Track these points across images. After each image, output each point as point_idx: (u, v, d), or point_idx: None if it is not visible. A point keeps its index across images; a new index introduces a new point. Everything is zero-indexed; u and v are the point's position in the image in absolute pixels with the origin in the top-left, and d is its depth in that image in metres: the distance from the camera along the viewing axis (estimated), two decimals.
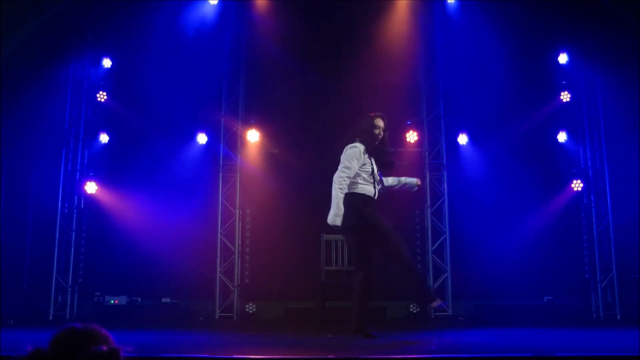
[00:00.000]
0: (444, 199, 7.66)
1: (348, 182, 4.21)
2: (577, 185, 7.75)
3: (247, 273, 7.84)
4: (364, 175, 4.27)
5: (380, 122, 4.40)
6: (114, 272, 7.51)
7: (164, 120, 7.81)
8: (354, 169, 4.22)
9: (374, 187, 4.27)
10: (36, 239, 7.87)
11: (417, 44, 7.93)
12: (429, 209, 7.64)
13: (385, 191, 4.41)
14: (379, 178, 4.35)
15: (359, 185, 4.24)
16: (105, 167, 8.03)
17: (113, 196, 7.84)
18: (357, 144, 4.32)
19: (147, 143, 7.86)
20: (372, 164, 4.31)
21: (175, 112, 7.75)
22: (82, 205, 7.99)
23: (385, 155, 4.45)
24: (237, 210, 7.76)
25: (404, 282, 4.68)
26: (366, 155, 4.29)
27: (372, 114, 4.45)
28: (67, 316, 7.52)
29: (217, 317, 7.37)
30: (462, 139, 7.90)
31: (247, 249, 7.91)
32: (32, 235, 7.90)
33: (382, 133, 4.38)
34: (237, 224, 7.73)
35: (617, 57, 7.39)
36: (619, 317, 7.21)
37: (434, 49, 7.92)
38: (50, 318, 7.40)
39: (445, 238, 7.57)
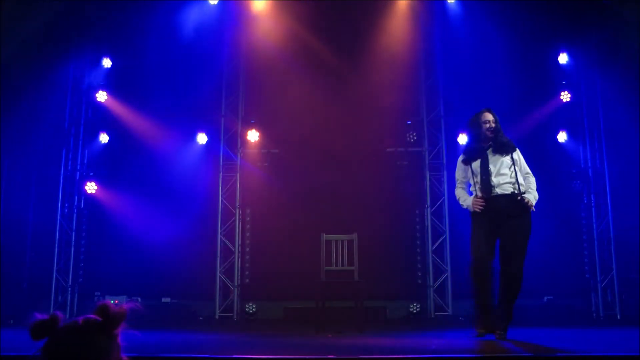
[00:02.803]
0: (444, 199, 7.66)
1: (457, 191, 4.57)
2: (577, 185, 7.75)
3: (247, 273, 7.84)
4: (471, 184, 4.46)
5: (488, 116, 4.42)
6: (114, 272, 7.50)
7: (164, 120, 7.80)
8: (458, 179, 4.56)
9: (475, 186, 4.36)
10: (36, 239, 7.86)
11: (417, 44, 7.93)
12: (429, 209, 7.64)
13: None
14: (488, 172, 4.29)
15: (464, 202, 4.51)
16: (105, 167, 8.03)
17: (113, 196, 7.84)
18: (459, 157, 4.55)
19: (147, 143, 7.85)
20: (473, 168, 4.36)
21: (175, 112, 7.75)
22: (82, 205, 7.99)
23: (499, 141, 4.39)
24: (237, 210, 7.76)
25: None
26: (465, 165, 4.46)
27: (478, 112, 4.50)
28: (67, 316, 7.52)
29: (217, 317, 7.37)
30: (462, 139, 7.90)
31: (247, 249, 7.91)
32: (32, 235, 7.89)
33: (492, 125, 4.37)
34: (237, 224, 7.73)
35: (617, 57, 7.39)
36: (619, 317, 7.21)
37: (434, 49, 7.92)
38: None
39: (445, 238, 7.57)
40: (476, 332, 4.22)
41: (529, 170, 4.41)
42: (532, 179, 4.38)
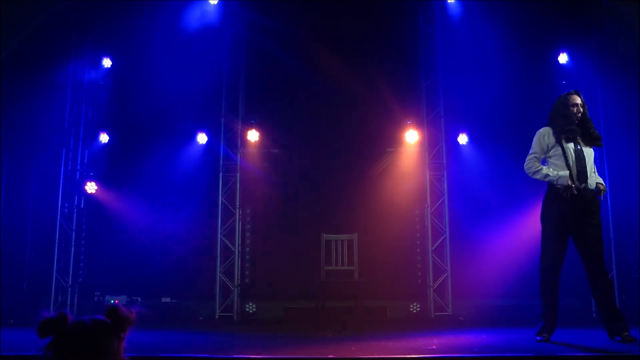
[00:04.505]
0: (444, 199, 7.66)
1: (536, 162, 4.19)
2: None
3: (247, 273, 7.84)
4: (554, 161, 4.13)
5: (577, 99, 4.17)
6: (114, 271, 7.51)
7: (164, 120, 7.81)
8: (537, 152, 4.20)
9: (569, 168, 4.03)
10: (36, 239, 7.87)
11: (417, 43, 7.94)
12: (429, 209, 7.64)
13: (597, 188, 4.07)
14: (582, 158, 4.04)
15: (551, 172, 4.08)
16: (105, 167, 8.04)
17: (113, 196, 7.84)
18: (542, 129, 4.23)
19: (147, 143, 7.85)
20: (566, 148, 4.07)
21: (176, 112, 7.75)
22: (82, 205, 7.99)
23: (590, 132, 4.17)
24: (237, 210, 7.76)
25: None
26: (553, 139, 4.13)
27: (566, 93, 4.26)
28: None
29: (217, 317, 7.37)
30: (462, 139, 7.91)
31: (247, 249, 7.91)
32: (32, 235, 7.90)
33: (581, 110, 4.16)
34: (237, 224, 7.73)
35: (617, 57, 7.39)
36: None
37: (434, 49, 7.93)
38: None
39: (445, 238, 7.57)
40: (541, 337, 4.07)
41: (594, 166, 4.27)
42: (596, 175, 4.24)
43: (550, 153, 4.18)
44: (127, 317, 1.37)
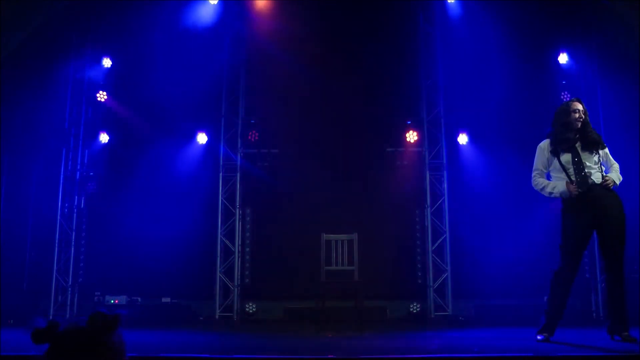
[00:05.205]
0: (444, 199, 7.66)
1: (539, 179, 4.30)
2: None
3: (247, 273, 7.84)
4: (555, 174, 4.23)
5: (578, 106, 4.22)
6: (114, 272, 7.51)
7: (164, 120, 7.81)
8: (539, 168, 4.31)
9: (570, 178, 4.10)
10: (36, 239, 7.87)
11: (417, 43, 7.94)
12: (429, 209, 7.64)
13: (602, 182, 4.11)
14: (581, 168, 4.10)
15: (553, 189, 4.19)
16: (105, 167, 8.03)
17: (113, 196, 7.84)
18: (542, 142, 4.33)
19: (147, 143, 7.85)
20: (563, 159, 4.14)
21: (175, 112, 7.75)
22: (82, 205, 7.99)
23: (587, 135, 4.19)
24: (237, 210, 7.76)
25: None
26: (550, 152, 4.22)
27: (568, 100, 4.34)
28: (67, 316, 7.53)
29: (217, 317, 7.37)
30: (462, 139, 7.91)
31: (247, 249, 7.91)
32: (32, 235, 7.90)
33: (582, 116, 4.19)
34: (237, 224, 7.73)
35: (617, 57, 7.39)
36: None
37: (434, 49, 7.93)
38: (50, 318, 7.40)
39: (445, 238, 7.56)
40: (542, 336, 4.07)
41: (613, 160, 4.30)
42: (616, 165, 4.28)
43: (551, 167, 4.28)
44: (106, 324, 1.37)
